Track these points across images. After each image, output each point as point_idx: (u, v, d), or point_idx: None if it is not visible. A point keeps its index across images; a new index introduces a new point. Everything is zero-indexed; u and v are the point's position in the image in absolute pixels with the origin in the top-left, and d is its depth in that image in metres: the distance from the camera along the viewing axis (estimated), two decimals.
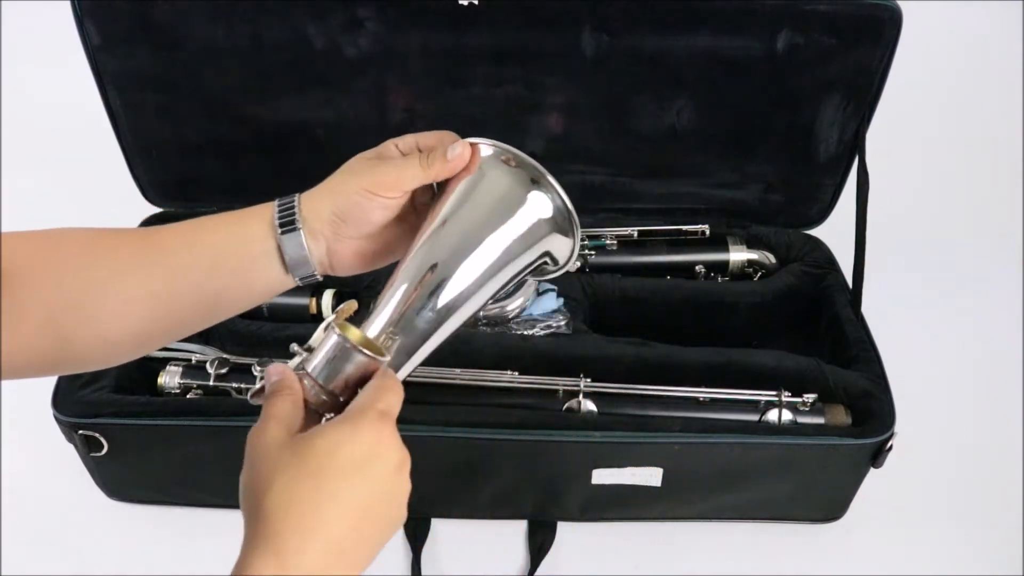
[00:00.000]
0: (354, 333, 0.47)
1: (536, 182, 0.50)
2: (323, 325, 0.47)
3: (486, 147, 0.51)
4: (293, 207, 0.49)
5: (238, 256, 0.49)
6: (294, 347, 0.48)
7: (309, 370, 0.46)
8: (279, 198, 0.50)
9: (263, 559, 0.37)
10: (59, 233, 0.47)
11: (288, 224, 0.49)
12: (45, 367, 0.47)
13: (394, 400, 0.44)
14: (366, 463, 0.41)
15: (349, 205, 0.49)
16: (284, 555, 0.37)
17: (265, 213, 0.50)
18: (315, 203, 0.50)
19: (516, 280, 0.52)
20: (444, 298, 0.48)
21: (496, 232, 0.49)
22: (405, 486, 0.43)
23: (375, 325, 0.48)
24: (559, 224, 0.50)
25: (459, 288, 0.49)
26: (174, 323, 0.49)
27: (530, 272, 0.53)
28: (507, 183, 0.50)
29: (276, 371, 0.46)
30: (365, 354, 0.45)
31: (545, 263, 0.53)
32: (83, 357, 0.47)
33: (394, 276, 0.50)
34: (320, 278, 0.51)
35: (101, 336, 0.46)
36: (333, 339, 0.46)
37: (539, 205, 0.50)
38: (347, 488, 0.40)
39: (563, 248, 0.52)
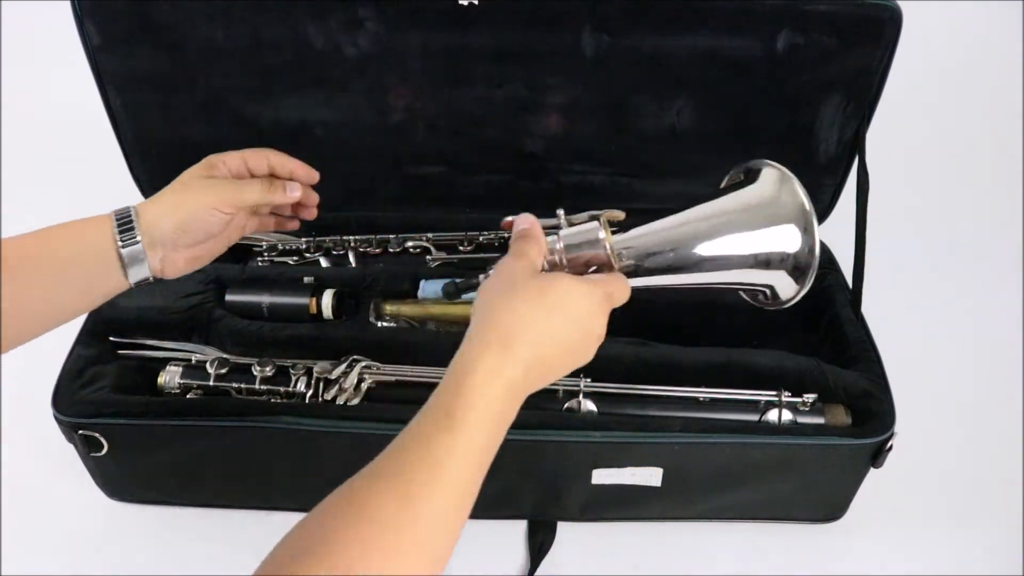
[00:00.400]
0: (608, 233, 0.55)
1: (800, 224, 0.56)
2: (590, 214, 0.56)
3: (778, 168, 0.58)
4: (131, 220, 0.55)
5: (81, 269, 0.54)
6: (560, 212, 0.57)
7: (561, 235, 0.55)
8: (116, 210, 0.56)
9: (489, 350, 0.46)
10: None
11: (129, 237, 0.55)
12: None
13: (621, 292, 0.54)
14: (583, 319, 0.50)
15: (193, 220, 0.57)
16: (506, 353, 0.46)
17: (105, 225, 0.55)
18: (156, 217, 0.56)
19: (730, 287, 0.59)
20: (676, 259, 0.57)
21: (742, 234, 0.56)
22: (590, 353, 0.51)
23: (621, 242, 0.56)
24: (796, 265, 0.56)
25: (690, 259, 0.56)
26: (18, 333, 0.53)
27: (746, 290, 0.60)
28: (780, 202, 0.57)
29: (527, 220, 0.55)
30: (608, 251, 0.55)
31: (763, 292, 0.59)
32: None
33: (664, 221, 0.57)
34: (152, 280, 0.57)
35: None
36: (594, 226, 0.55)
37: (790, 238, 0.56)
38: (565, 328, 0.49)
39: (786, 289, 0.58)
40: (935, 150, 1.20)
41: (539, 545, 0.75)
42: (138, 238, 0.55)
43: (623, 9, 0.75)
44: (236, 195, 0.60)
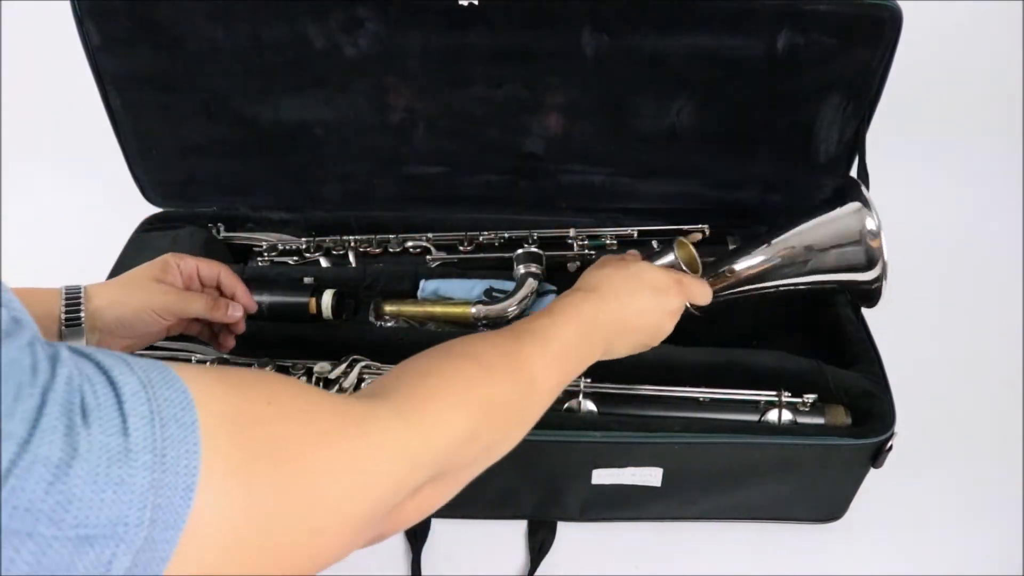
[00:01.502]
0: (687, 250, 0.71)
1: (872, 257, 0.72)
2: (676, 240, 0.70)
3: (867, 210, 0.71)
4: (79, 302, 0.57)
5: None
6: (654, 242, 0.79)
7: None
8: (66, 288, 0.58)
9: (588, 298, 0.58)
10: None
11: (74, 318, 0.57)
12: None
13: (698, 288, 0.65)
14: (656, 292, 0.61)
15: (135, 319, 0.60)
16: (599, 303, 0.58)
17: (53, 299, 0.57)
18: (100, 307, 0.59)
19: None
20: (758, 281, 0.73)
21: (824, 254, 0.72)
22: (659, 329, 0.63)
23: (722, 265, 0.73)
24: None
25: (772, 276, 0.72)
26: None
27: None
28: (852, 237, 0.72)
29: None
30: (681, 268, 0.69)
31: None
32: None
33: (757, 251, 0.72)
34: None
35: None
36: (671, 258, 0.69)
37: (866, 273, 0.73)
38: (639, 289, 0.60)
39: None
40: (935, 150, 1.20)
41: (539, 545, 0.75)
42: (81, 320, 0.57)
43: (623, 9, 0.75)
44: (180, 306, 0.63)
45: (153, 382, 0.30)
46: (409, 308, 0.82)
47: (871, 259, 0.71)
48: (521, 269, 0.83)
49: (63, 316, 0.57)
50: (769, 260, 0.73)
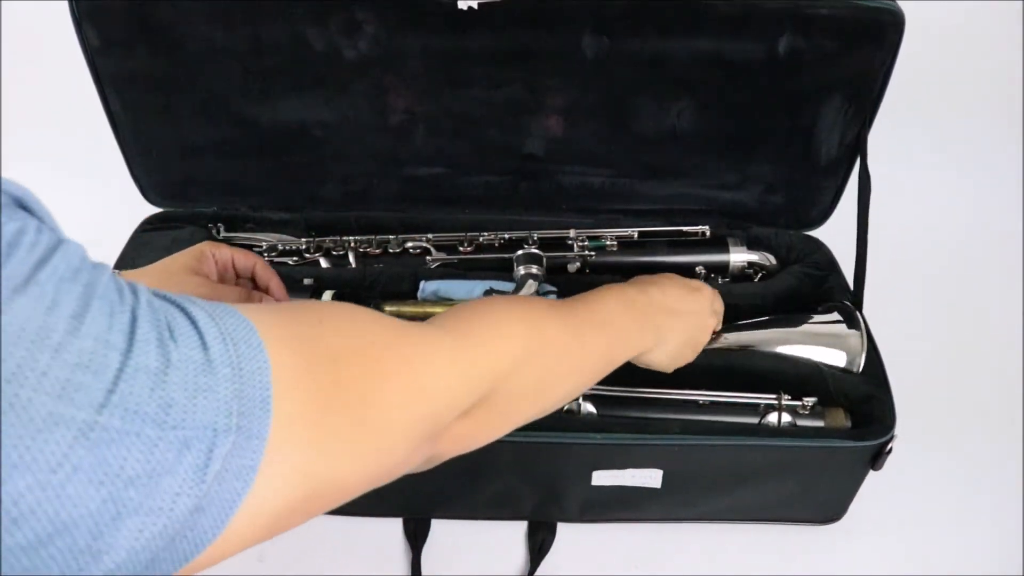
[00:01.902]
0: None
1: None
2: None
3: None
4: None
5: None
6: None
7: None
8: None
9: (626, 286, 0.61)
10: None
11: None
12: None
13: (717, 299, 0.68)
14: (694, 289, 0.65)
15: None
16: (641, 287, 0.61)
17: None
18: None
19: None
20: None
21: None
22: (696, 340, 0.65)
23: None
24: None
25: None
26: None
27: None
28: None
29: None
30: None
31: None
32: None
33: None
34: None
35: None
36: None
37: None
38: (684, 294, 0.63)
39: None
40: (936, 153, 1.20)
41: (539, 546, 0.75)
42: None
43: (624, 11, 0.74)
44: (214, 299, 0.61)
45: (217, 313, 0.32)
46: (409, 309, 0.82)
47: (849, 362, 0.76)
48: (521, 270, 0.83)
49: None
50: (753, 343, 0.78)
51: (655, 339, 0.60)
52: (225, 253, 0.64)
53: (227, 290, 0.64)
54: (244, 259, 0.66)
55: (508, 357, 0.45)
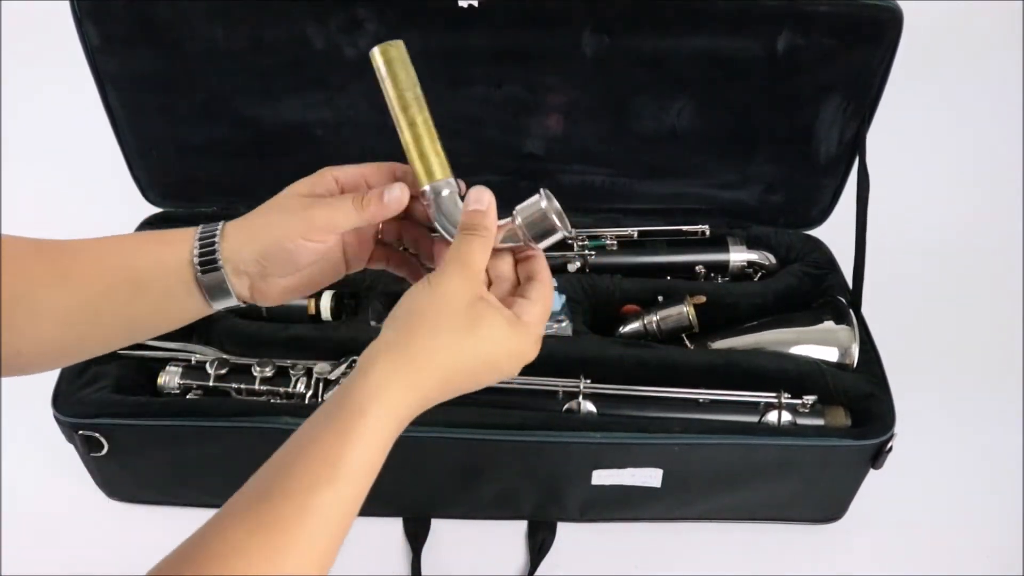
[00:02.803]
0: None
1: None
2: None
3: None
4: (214, 245, 0.48)
5: (156, 286, 0.48)
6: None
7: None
8: (202, 227, 0.48)
9: (398, 368, 0.43)
10: None
11: (209, 264, 0.47)
12: None
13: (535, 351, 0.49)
14: (500, 361, 0.47)
15: (275, 250, 0.48)
16: (414, 373, 0.44)
17: (185, 244, 0.48)
18: (238, 242, 0.48)
19: None
20: None
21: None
22: (487, 383, 0.48)
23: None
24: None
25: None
26: (91, 342, 0.48)
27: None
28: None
29: (483, 199, 0.48)
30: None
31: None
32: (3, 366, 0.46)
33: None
34: (244, 306, 0.50)
35: (14, 347, 0.45)
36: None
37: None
38: (477, 364, 0.46)
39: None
40: (935, 151, 1.20)
41: (539, 545, 0.75)
42: (219, 266, 0.47)
43: (623, 10, 0.75)
44: (325, 219, 0.48)
45: None
46: None
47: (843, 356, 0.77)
48: None
49: (196, 260, 0.47)
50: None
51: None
52: (350, 171, 0.51)
53: (335, 202, 0.49)
54: (377, 175, 0.52)
55: None
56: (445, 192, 0.50)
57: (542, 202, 0.48)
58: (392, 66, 0.51)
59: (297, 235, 0.48)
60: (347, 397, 0.42)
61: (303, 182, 0.51)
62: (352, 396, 0.42)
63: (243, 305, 0.50)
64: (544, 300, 0.49)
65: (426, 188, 0.50)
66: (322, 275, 0.52)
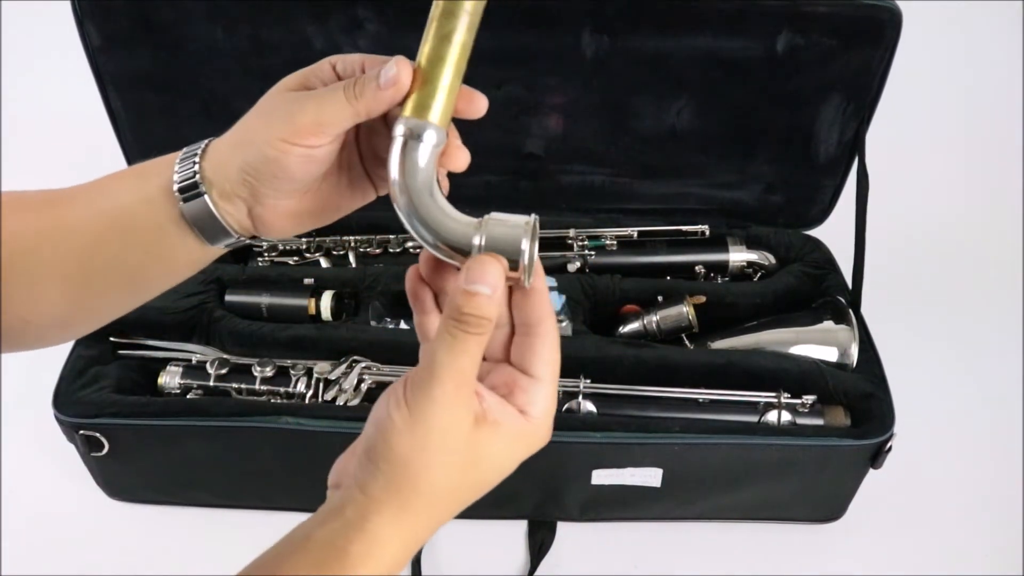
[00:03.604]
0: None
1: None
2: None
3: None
4: (195, 166, 0.39)
5: (145, 226, 0.41)
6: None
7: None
8: (186, 148, 0.41)
9: (397, 516, 0.36)
10: None
11: (189, 190, 0.39)
12: None
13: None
14: (497, 474, 0.40)
15: (260, 161, 0.39)
16: (414, 519, 0.36)
17: (165, 171, 0.40)
18: (221, 157, 0.40)
19: None
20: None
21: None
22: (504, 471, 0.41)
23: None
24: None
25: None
26: (96, 304, 0.43)
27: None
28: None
29: (489, 281, 0.35)
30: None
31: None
32: (8, 338, 0.42)
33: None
34: (248, 241, 0.43)
35: (18, 315, 0.41)
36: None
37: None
38: (475, 487, 0.40)
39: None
40: (935, 151, 1.20)
41: (539, 545, 0.75)
42: (202, 191, 0.39)
43: (623, 10, 0.75)
44: (311, 115, 0.38)
45: None
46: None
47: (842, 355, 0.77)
48: None
49: (176, 186, 0.39)
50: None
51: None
52: (350, 59, 0.41)
53: (326, 91, 0.40)
54: (375, 63, 0.40)
55: None
56: (427, 140, 0.37)
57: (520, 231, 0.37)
58: None
59: (280, 139, 0.38)
60: (341, 559, 0.35)
61: (296, 74, 0.42)
62: (347, 561, 0.35)
63: (247, 240, 0.42)
64: (553, 368, 0.39)
65: (406, 122, 0.37)
66: (335, 193, 0.42)
